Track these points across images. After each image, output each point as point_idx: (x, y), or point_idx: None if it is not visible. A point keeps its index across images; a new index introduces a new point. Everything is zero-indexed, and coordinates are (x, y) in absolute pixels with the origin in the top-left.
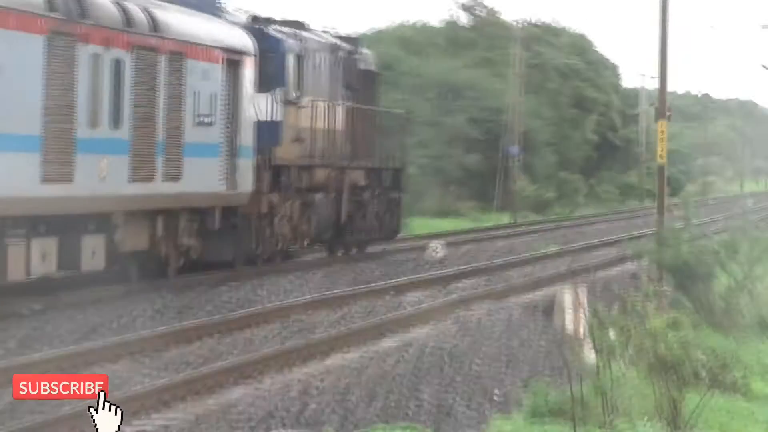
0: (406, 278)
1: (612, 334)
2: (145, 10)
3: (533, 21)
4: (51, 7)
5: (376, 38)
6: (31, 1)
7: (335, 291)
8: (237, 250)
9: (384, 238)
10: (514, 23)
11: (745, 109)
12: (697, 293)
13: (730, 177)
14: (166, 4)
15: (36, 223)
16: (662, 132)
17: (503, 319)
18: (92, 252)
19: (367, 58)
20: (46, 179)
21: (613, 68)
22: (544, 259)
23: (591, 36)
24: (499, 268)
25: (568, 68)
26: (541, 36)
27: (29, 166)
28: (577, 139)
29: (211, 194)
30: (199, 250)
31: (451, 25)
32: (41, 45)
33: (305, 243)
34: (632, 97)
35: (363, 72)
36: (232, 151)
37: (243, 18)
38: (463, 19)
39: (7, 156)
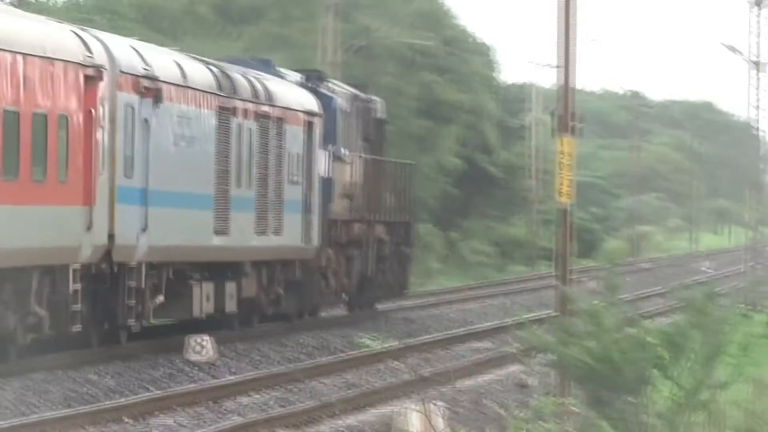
0: (157, 392)
1: None
2: (260, 81)
3: None
4: (219, 86)
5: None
6: (208, 82)
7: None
8: (304, 301)
9: (394, 296)
10: None
11: (699, 114)
12: (621, 412)
13: (676, 226)
14: (269, 76)
15: (203, 270)
16: (566, 154)
17: None
18: (230, 296)
19: (379, 106)
20: (216, 232)
21: (486, 52)
22: (375, 361)
23: (451, 5)
24: (303, 375)
25: (414, 52)
26: (372, 2)
27: (207, 220)
28: (428, 167)
29: (296, 248)
30: (284, 299)
31: None
32: (213, 119)
33: (346, 297)
34: (517, 98)
35: (376, 121)
36: (307, 207)
37: (297, 77)
38: None
39: (195, 212)
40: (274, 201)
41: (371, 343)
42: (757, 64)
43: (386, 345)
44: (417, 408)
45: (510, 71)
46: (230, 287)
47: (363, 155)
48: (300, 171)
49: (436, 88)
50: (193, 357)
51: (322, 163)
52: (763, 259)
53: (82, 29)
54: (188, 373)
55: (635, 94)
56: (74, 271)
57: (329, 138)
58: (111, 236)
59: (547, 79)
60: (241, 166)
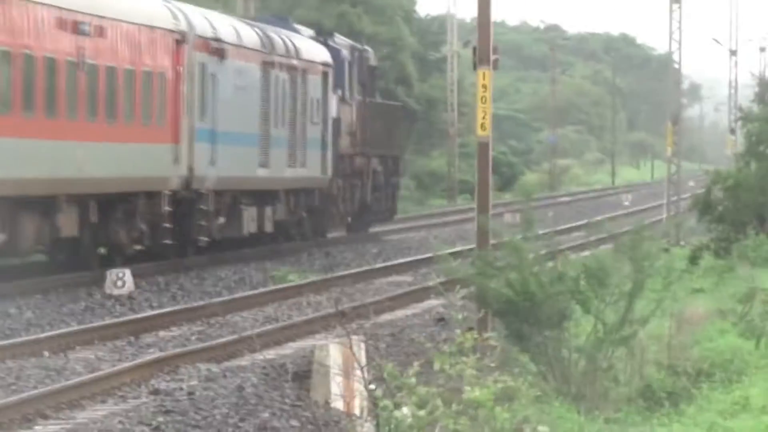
0: (77, 326)
1: (407, 410)
2: (289, 39)
3: None
4: (263, 45)
5: None
6: (255, 42)
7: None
8: (317, 224)
9: (386, 220)
10: None
11: (618, 48)
12: (542, 347)
13: (595, 159)
14: (294, 34)
15: (248, 196)
16: (484, 87)
17: (231, 392)
18: (269, 218)
19: (371, 55)
20: (260, 165)
21: None
22: (295, 294)
23: None
24: (222, 309)
25: None
26: None
27: (254, 155)
28: None
29: (316, 178)
30: (308, 221)
31: None
32: (259, 72)
33: (349, 220)
34: (435, 31)
35: (369, 68)
36: (324, 143)
37: (310, 32)
38: None
39: (247, 149)
40: (301, 139)
41: (292, 277)
42: None
43: (307, 279)
44: (339, 342)
45: (428, 3)
46: (269, 211)
47: (361, 98)
48: (318, 113)
49: (353, 19)
50: (114, 291)
51: (333, 106)
52: (683, 194)
53: (167, 1)
54: (108, 307)
55: (552, 27)
56: (166, 196)
57: (338, 84)
58: (190, 168)
59: (467, 11)
60: (277, 110)
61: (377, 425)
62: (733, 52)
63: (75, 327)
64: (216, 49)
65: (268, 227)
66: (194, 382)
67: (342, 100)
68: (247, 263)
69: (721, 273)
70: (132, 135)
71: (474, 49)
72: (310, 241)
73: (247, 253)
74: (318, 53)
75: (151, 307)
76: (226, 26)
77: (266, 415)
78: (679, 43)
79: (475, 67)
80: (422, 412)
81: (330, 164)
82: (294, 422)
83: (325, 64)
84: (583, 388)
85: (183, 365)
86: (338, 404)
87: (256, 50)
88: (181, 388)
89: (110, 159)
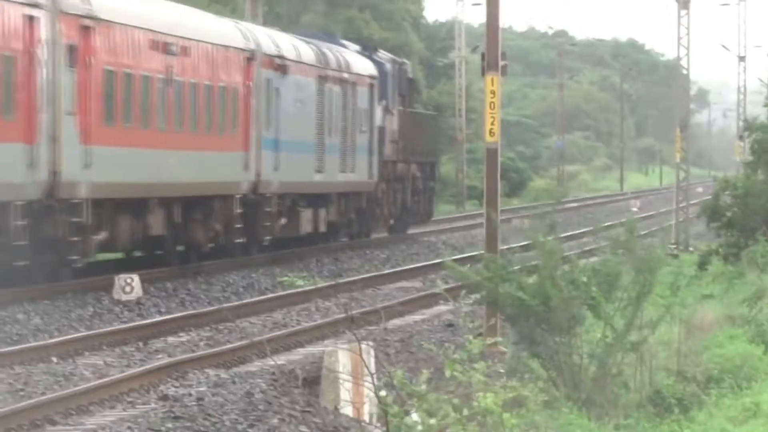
0: (85, 332)
1: (416, 417)
2: (340, 54)
3: None
4: (318, 61)
5: None
6: (312, 58)
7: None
8: (363, 225)
9: (423, 222)
10: None
11: (626, 53)
12: (552, 352)
13: (604, 165)
14: (343, 49)
15: (305, 199)
16: (493, 93)
17: (240, 398)
18: (323, 219)
19: (408, 68)
20: (316, 170)
21: None
22: (303, 300)
23: None
24: (230, 315)
25: None
26: None
27: (311, 161)
28: None
29: (364, 182)
30: (356, 222)
31: None
32: (315, 85)
33: (392, 222)
34: (443, 36)
35: (408, 80)
36: (370, 150)
37: (356, 47)
38: None
39: (305, 156)
40: (350, 146)
41: (300, 282)
42: (681, 1)
43: (316, 284)
44: (348, 347)
45: (436, 9)
46: (322, 213)
47: (401, 108)
48: (366, 123)
49: (361, 25)
50: (122, 296)
51: (377, 116)
52: (693, 200)
53: (237, 22)
54: (116, 313)
55: (560, 33)
56: (237, 198)
57: (382, 95)
58: (258, 174)
59: (475, 17)
60: (331, 120)
61: (387, 430)
62: (742, 58)
63: (83, 333)
64: (279, 65)
65: (322, 227)
66: (203, 388)
67: (386, 110)
68: (255, 269)
69: (731, 279)
70: (210, 144)
71: (482, 54)
72: (354, 241)
73: (254, 259)
74: (365, 67)
75: (160, 313)
76: (287, 44)
77: (275, 421)
78: (688, 49)
79: (483, 73)
80: (433, 420)
81: (376, 170)
82: (303, 428)
83: (371, 77)
84: (593, 394)
85: (191, 371)
86: (348, 410)
87: (313, 65)
88: (190, 394)
89: (193, 166)
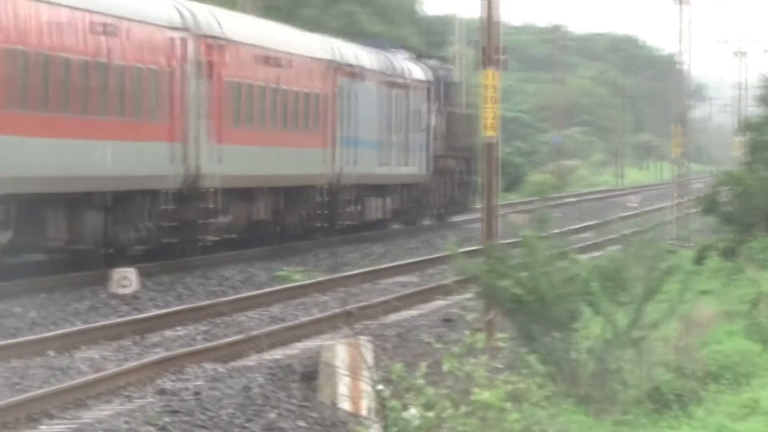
0: (82, 326)
1: (415, 411)
2: (401, 62)
3: None
4: (385, 68)
5: None
6: (379, 66)
7: None
8: (417, 212)
9: (463, 211)
10: None
11: (623, 48)
12: (551, 348)
13: (600, 161)
14: (400, 57)
15: (374, 189)
16: (493, 88)
17: (237, 392)
18: (386, 207)
19: (452, 72)
20: (380, 164)
21: None
22: (300, 294)
23: None
24: (228, 309)
25: None
26: None
27: (379, 157)
28: None
29: (419, 175)
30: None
31: None
32: (376, 90)
33: (441, 211)
34: (440, 31)
35: (452, 83)
36: (425, 147)
37: (406, 54)
38: None
39: (373, 151)
40: (409, 143)
41: (297, 276)
42: None
43: (313, 279)
44: (346, 342)
45: (432, 3)
46: (386, 201)
47: (447, 108)
48: (421, 122)
49: (358, 19)
50: (119, 290)
51: (430, 116)
52: (690, 195)
53: (322, 36)
54: (113, 307)
55: (557, 27)
56: (320, 189)
57: (434, 98)
58: (340, 167)
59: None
60: (394, 120)
61: (385, 426)
62: (741, 53)
63: (80, 326)
64: (357, 73)
65: (387, 215)
66: (200, 382)
67: (436, 110)
68: (252, 263)
69: (729, 275)
70: (305, 142)
71: (483, 48)
72: (355, 235)
73: (251, 253)
74: (420, 72)
75: (157, 307)
76: (361, 53)
77: (273, 415)
78: (688, 45)
79: (484, 67)
80: (430, 414)
81: (429, 164)
82: (301, 423)
83: (426, 82)
84: (591, 390)
85: (189, 365)
86: (345, 405)
87: (382, 72)
88: (187, 388)
89: (293, 160)
